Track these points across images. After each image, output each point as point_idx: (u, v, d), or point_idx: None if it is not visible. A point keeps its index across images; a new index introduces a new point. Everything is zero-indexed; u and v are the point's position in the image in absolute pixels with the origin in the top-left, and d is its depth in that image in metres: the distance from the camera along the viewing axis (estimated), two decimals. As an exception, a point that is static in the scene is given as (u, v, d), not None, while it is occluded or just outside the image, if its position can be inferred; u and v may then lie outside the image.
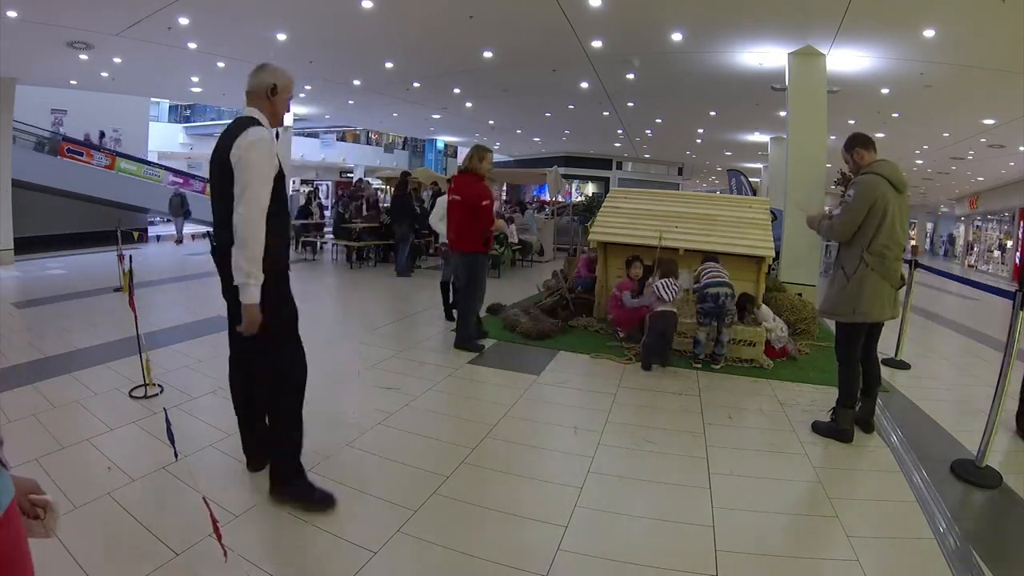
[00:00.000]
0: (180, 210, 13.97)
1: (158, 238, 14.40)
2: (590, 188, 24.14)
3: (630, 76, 9.32)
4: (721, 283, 4.49)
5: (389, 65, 9.58)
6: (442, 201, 5.45)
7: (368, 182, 14.97)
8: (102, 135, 16.75)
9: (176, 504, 2.28)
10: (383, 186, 16.62)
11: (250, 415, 2.53)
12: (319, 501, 2.31)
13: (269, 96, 2.33)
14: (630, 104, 11.82)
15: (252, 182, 2.12)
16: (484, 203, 4.63)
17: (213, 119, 25.96)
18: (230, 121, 2.37)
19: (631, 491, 2.59)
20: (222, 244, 2.23)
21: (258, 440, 2.52)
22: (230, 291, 2.23)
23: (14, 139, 10.62)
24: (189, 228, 14.44)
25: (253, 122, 2.23)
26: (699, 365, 4.53)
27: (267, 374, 2.32)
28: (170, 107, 25.59)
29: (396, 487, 2.50)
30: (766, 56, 7.60)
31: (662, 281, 4.51)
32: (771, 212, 6.44)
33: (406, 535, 2.14)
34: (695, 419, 3.46)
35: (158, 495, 2.34)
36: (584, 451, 2.94)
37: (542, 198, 21.27)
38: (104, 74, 10.37)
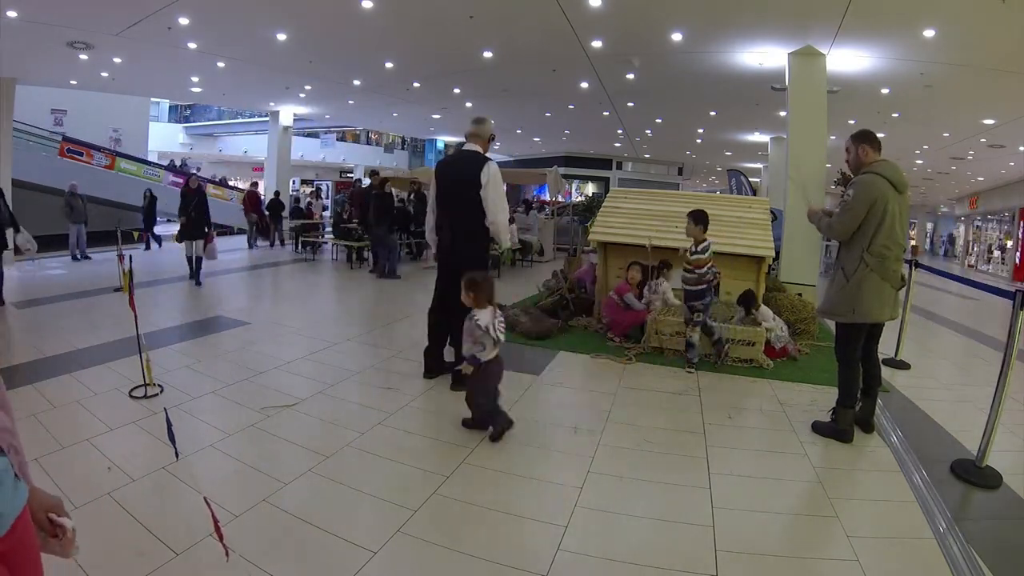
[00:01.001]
0: (82, 215, 10.14)
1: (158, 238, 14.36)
2: (590, 188, 24.14)
3: (630, 76, 9.33)
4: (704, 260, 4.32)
5: (389, 65, 9.59)
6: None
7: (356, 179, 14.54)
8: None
9: (176, 504, 2.28)
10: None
11: (440, 343, 3.90)
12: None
13: (488, 141, 3.86)
14: (630, 104, 11.83)
15: (500, 192, 3.77)
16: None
17: (213, 119, 25.99)
18: (455, 151, 3.97)
19: (631, 491, 2.59)
20: (461, 231, 3.73)
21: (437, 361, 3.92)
22: (455, 257, 3.72)
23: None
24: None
25: (487, 158, 3.74)
26: (692, 370, 4.41)
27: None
28: (170, 107, 25.59)
29: (396, 487, 2.50)
30: (766, 56, 7.61)
31: (486, 311, 2.96)
32: (771, 212, 6.43)
33: (406, 535, 2.14)
34: (695, 419, 3.46)
35: (158, 495, 2.34)
36: (584, 451, 2.94)
37: (542, 198, 21.26)
38: (104, 74, 10.38)
